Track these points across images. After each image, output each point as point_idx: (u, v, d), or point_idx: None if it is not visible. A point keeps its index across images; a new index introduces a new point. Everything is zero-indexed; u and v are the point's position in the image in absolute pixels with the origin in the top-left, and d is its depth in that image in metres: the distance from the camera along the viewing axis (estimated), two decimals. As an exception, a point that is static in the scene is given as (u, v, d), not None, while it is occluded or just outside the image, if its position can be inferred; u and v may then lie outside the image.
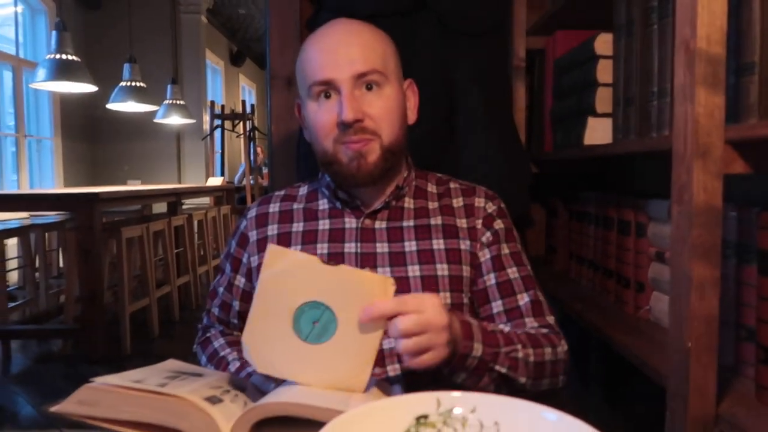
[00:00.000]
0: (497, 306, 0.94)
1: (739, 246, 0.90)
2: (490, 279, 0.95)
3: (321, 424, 0.54)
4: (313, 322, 0.72)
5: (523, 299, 0.94)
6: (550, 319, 0.94)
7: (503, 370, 0.81)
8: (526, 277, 0.96)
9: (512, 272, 0.95)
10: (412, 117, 0.98)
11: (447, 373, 0.79)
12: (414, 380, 0.92)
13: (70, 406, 0.67)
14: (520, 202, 1.62)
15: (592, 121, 1.32)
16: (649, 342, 1.10)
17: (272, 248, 0.72)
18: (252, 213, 1.02)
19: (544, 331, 0.92)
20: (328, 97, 0.89)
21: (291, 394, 0.68)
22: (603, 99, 1.30)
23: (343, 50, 0.88)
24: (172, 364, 0.84)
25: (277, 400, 0.66)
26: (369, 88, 0.88)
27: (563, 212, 1.86)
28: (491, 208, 0.99)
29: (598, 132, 1.31)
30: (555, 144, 1.66)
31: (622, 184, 1.63)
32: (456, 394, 0.64)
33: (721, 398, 0.80)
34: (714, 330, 0.77)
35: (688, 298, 0.77)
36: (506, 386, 0.84)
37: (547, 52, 1.73)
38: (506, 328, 0.89)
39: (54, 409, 0.66)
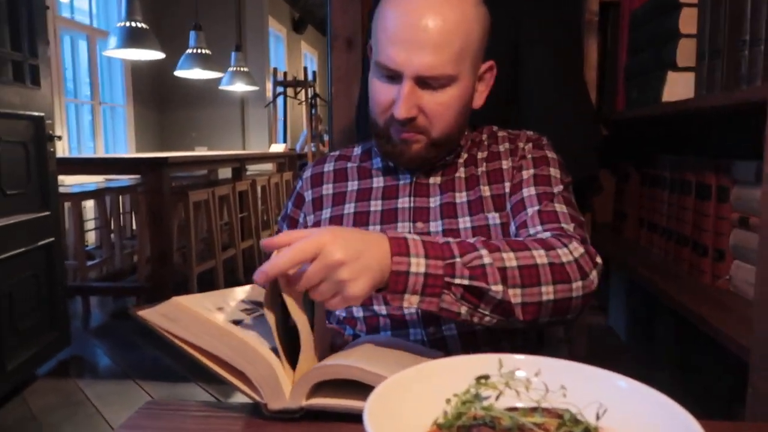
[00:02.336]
0: (511, 228, 0.88)
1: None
2: (508, 205, 0.90)
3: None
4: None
5: (532, 210, 0.85)
6: (567, 226, 0.81)
7: (465, 282, 0.68)
8: (543, 193, 0.87)
9: (527, 191, 0.88)
10: (479, 102, 0.94)
11: (389, 299, 0.67)
12: (470, 341, 0.90)
13: (154, 315, 0.69)
14: (587, 163, 1.54)
15: (672, 76, 1.22)
16: (729, 313, 1.03)
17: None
18: (307, 173, 1.02)
19: (546, 235, 0.79)
20: (391, 78, 0.86)
21: (356, 357, 0.67)
22: (685, 51, 1.20)
23: (418, 42, 0.81)
24: (253, 291, 0.84)
25: (342, 363, 0.65)
26: (433, 87, 0.84)
27: (634, 176, 1.76)
28: (528, 145, 0.95)
29: (678, 87, 1.22)
30: (628, 102, 1.56)
31: (702, 147, 1.52)
32: (519, 356, 0.61)
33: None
34: (807, 300, 0.70)
35: (778, 264, 0.71)
36: (481, 303, 0.69)
37: (622, 4, 1.62)
38: (473, 239, 0.74)
39: (139, 313, 0.68)
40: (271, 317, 0.66)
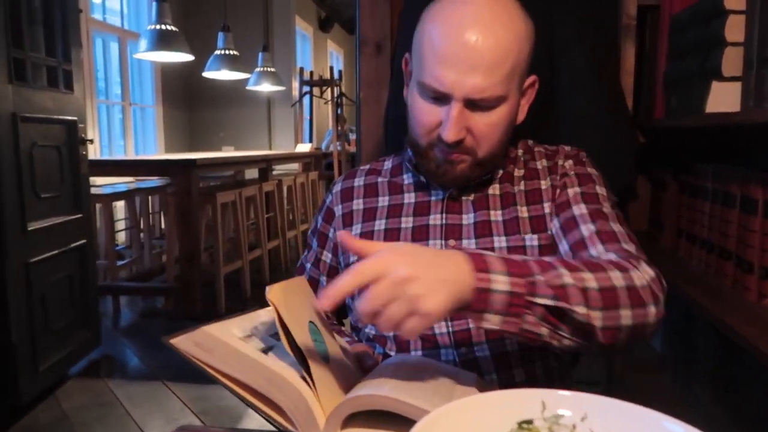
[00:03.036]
0: (564, 247, 0.83)
1: None
2: (555, 224, 0.86)
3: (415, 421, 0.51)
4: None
5: (588, 229, 0.81)
6: (628, 246, 0.78)
7: (548, 302, 0.63)
8: (595, 210, 0.83)
9: (577, 209, 0.85)
10: (521, 117, 0.91)
11: (469, 318, 0.63)
12: (503, 361, 0.87)
13: (186, 344, 0.68)
14: (624, 172, 1.50)
15: (716, 86, 1.17)
16: (778, 336, 0.98)
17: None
18: (337, 188, 1.01)
19: (613, 256, 0.75)
20: (437, 99, 0.83)
21: (390, 387, 0.65)
22: (731, 60, 1.14)
23: (470, 63, 0.77)
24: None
25: (376, 393, 0.63)
26: (482, 108, 0.82)
27: (672, 185, 1.70)
28: (568, 162, 0.92)
29: (723, 98, 1.16)
30: (668, 110, 1.51)
31: (746, 158, 1.46)
32: (564, 393, 0.58)
33: None
34: None
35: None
36: (564, 324, 0.65)
37: (662, 8, 1.56)
38: (549, 258, 0.71)
39: (172, 341, 0.67)
40: (286, 345, 0.65)
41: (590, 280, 0.66)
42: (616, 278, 0.68)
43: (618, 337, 0.68)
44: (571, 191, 0.88)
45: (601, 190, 0.88)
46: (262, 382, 0.65)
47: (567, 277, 0.65)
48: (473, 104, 0.81)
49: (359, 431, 0.63)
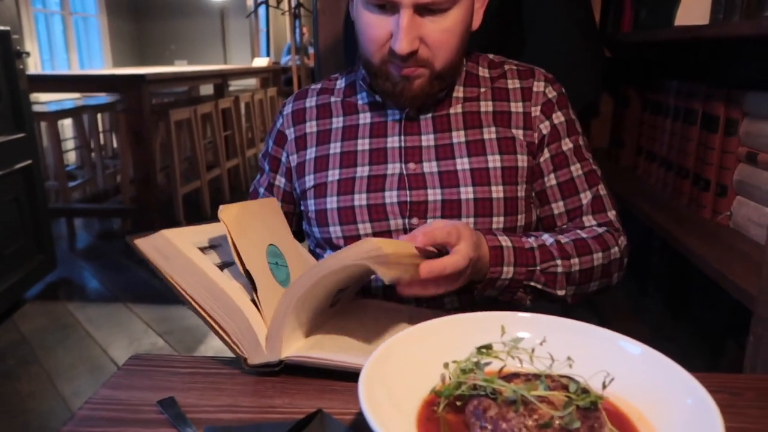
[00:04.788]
0: (558, 207, 0.87)
1: None
2: (551, 179, 0.87)
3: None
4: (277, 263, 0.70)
5: (586, 197, 0.86)
6: (611, 214, 0.87)
7: (538, 286, 0.79)
8: (589, 172, 0.87)
9: (575, 169, 0.86)
10: (476, 22, 0.85)
11: (476, 293, 0.78)
12: (468, 301, 0.88)
13: (146, 247, 0.66)
14: (590, 89, 1.48)
15: (687, -3, 1.13)
16: (730, 253, 1.01)
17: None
18: (288, 109, 0.94)
19: (601, 230, 0.85)
20: (383, 8, 0.76)
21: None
22: (704, -31, 1.10)
23: None
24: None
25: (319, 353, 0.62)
26: (434, 12, 0.75)
27: (636, 102, 1.69)
28: (551, 93, 0.88)
29: (693, 10, 1.13)
30: (636, 23, 1.46)
31: (712, 74, 1.44)
32: (524, 315, 0.58)
33: (813, 322, 0.72)
34: (822, 251, 0.67)
35: (795, 213, 0.67)
36: (544, 298, 0.82)
37: None
38: (550, 239, 0.81)
39: (135, 241, 0.66)
40: (239, 266, 0.63)
41: (576, 265, 0.80)
42: (597, 258, 0.82)
43: (582, 299, 0.85)
44: (567, 143, 0.87)
45: (583, 140, 0.89)
46: (211, 303, 0.63)
47: (559, 267, 0.79)
48: (424, 9, 0.75)
49: (305, 354, 0.62)
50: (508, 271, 0.76)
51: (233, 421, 0.55)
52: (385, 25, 0.76)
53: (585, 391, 0.47)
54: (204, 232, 0.71)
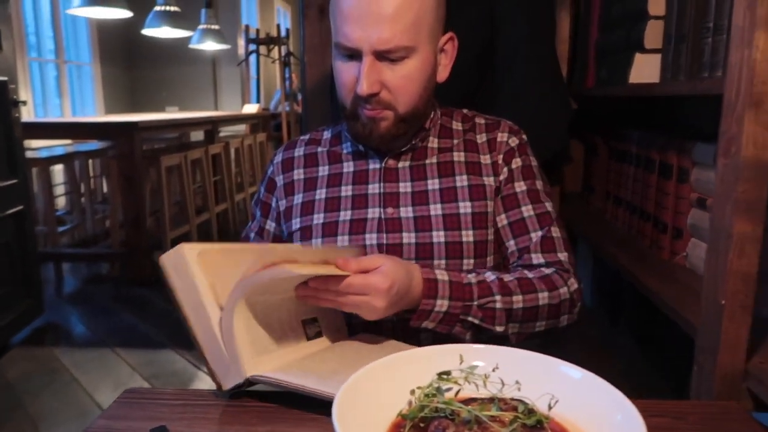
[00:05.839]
0: (511, 246, 0.93)
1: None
2: (502, 219, 0.94)
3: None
4: None
5: (536, 236, 0.92)
6: (562, 255, 0.91)
7: (476, 321, 0.83)
8: (542, 214, 0.93)
9: (526, 210, 0.93)
10: (443, 75, 0.95)
11: (412, 325, 0.82)
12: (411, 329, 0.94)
13: (167, 262, 0.71)
14: (557, 138, 1.57)
15: (639, 58, 1.24)
16: (683, 290, 1.09)
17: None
18: (278, 158, 1.03)
19: (549, 270, 0.89)
20: (351, 57, 0.87)
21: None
22: (653, 33, 1.21)
23: (372, 17, 0.83)
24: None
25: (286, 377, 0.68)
26: (393, 60, 0.86)
27: (603, 150, 1.80)
28: (514, 142, 0.97)
29: (645, 70, 1.24)
30: (598, 80, 1.58)
31: (669, 124, 1.56)
32: (479, 346, 0.65)
33: (753, 352, 0.79)
34: (751, 288, 0.75)
35: (726, 254, 0.75)
36: (483, 333, 0.85)
37: (595, -21, 1.62)
38: (492, 276, 0.86)
39: (161, 257, 0.72)
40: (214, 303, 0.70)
41: (518, 302, 0.84)
42: (543, 297, 0.85)
43: (529, 338, 0.87)
44: (518, 186, 0.94)
45: (541, 185, 0.96)
46: (196, 324, 0.70)
47: (498, 303, 0.83)
48: (382, 56, 0.85)
49: (272, 375, 0.68)
50: (442, 305, 0.81)
51: (220, 445, 0.60)
52: (353, 71, 0.87)
53: (532, 411, 0.54)
54: (243, 253, 0.77)
